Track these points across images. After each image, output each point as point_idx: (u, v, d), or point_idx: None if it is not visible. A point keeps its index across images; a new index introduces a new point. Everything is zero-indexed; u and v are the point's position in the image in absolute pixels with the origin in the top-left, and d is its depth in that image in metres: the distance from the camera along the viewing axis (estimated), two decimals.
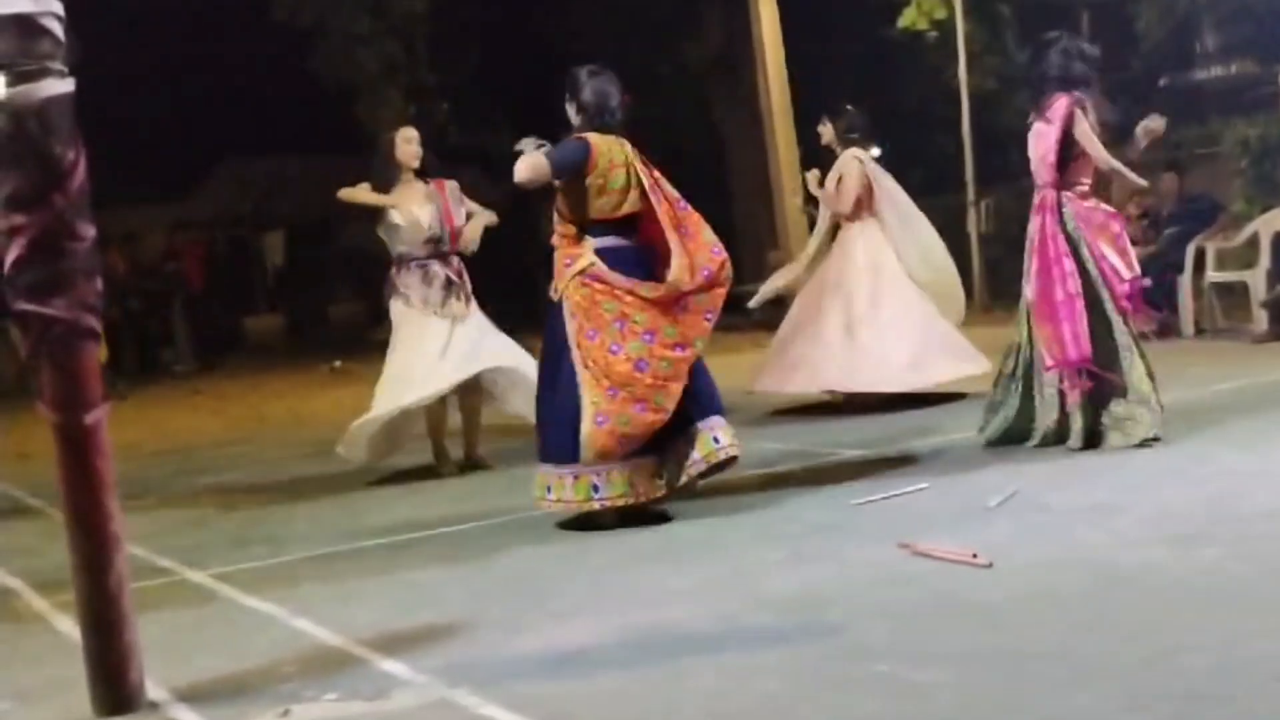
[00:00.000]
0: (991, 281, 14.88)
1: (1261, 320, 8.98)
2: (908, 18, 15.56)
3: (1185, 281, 9.56)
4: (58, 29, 3.17)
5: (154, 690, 3.33)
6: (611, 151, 5.05)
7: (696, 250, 5.03)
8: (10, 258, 3.17)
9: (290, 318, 23.41)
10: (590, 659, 3.38)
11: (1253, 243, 9.45)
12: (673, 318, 4.96)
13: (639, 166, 5.08)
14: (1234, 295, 9.69)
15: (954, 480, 5.21)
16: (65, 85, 3.18)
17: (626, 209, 5.06)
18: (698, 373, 5.06)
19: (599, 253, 5.03)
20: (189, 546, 5.35)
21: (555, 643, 3.53)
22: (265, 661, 3.58)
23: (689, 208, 5.15)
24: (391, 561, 4.84)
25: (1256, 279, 9.14)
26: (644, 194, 5.04)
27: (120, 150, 16.40)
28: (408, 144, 6.54)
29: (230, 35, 19.96)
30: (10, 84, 3.10)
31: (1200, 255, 9.61)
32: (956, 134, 15.22)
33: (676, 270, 4.96)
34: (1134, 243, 10.16)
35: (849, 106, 7.82)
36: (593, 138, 5.05)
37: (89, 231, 3.23)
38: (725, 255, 5.10)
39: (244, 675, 3.48)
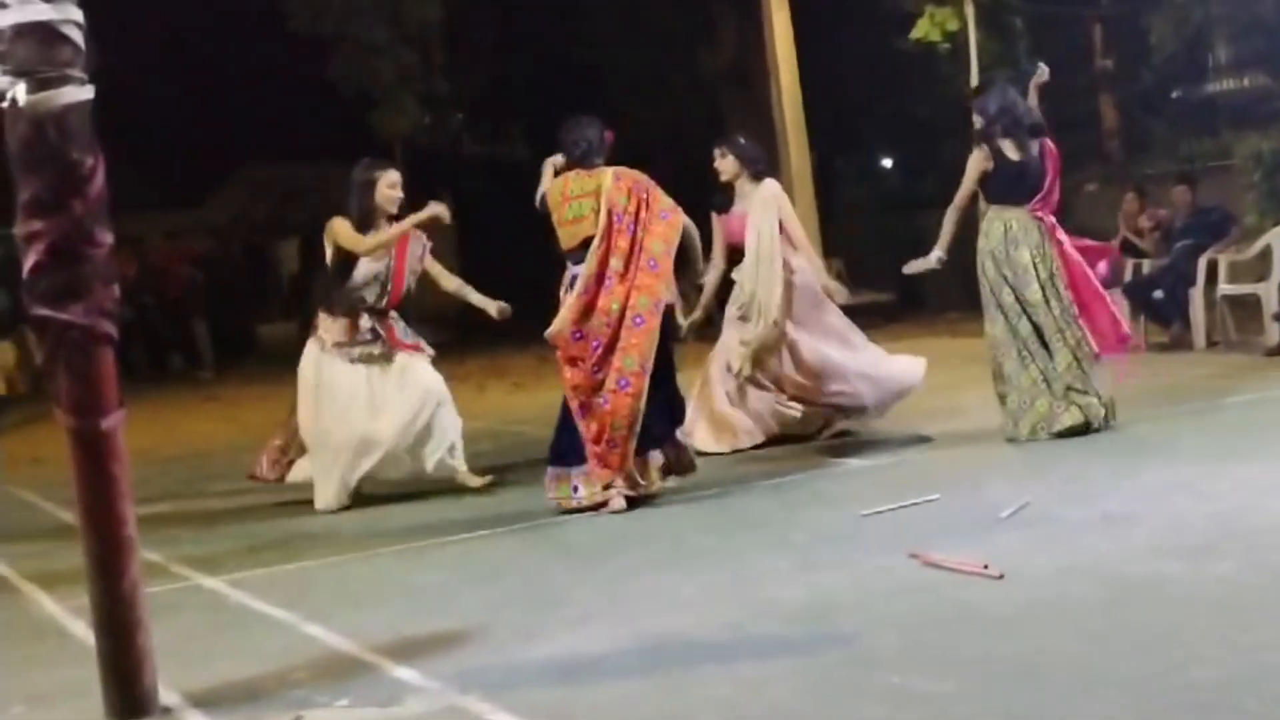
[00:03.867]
0: None
1: (1273, 333, 8.96)
2: (921, 29, 15.57)
3: (1197, 294, 9.55)
4: (78, 37, 3.20)
5: (167, 695, 3.34)
6: (568, 187, 5.59)
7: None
8: (29, 263, 3.19)
9: (304, 325, 23.45)
10: (601, 666, 3.39)
11: (1265, 255, 9.44)
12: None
13: (608, 199, 5.49)
14: (1246, 308, 9.67)
15: (965, 491, 5.21)
16: (85, 92, 3.21)
17: (582, 235, 5.53)
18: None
19: (574, 279, 5.56)
20: (202, 552, 5.37)
21: (566, 650, 3.54)
22: (277, 667, 3.60)
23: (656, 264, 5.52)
24: (404, 568, 4.86)
25: (1269, 292, 9.13)
26: (611, 215, 5.49)
27: (138, 157, 16.46)
28: (392, 189, 6.29)
29: (248, 43, 20.04)
30: (30, 91, 3.12)
31: (1212, 267, 9.60)
32: (967, 145, 15.22)
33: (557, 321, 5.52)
34: (1146, 255, 10.25)
35: (741, 138, 7.28)
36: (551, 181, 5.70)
37: (107, 238, 3.25)
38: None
39: (256, 680, 3.50)
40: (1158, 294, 9.77)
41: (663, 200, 5.63)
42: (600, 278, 5.46)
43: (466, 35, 19.58)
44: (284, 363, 18.19)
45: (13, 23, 3.13)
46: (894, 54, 16.69)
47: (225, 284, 19.88)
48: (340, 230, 6.20)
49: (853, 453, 6.34)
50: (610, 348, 5.44)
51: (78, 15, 3.20)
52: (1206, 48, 17.46)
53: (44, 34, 3.15)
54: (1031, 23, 17.67)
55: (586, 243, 5.52)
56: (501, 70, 20.60)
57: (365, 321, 6.27)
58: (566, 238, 5.60)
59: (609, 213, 5.49)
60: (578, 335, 5.48)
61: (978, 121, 6.61)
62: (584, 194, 5.56)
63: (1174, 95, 19.05)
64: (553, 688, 3.26)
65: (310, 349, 6.35)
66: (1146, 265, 10.17)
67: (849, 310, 7.27)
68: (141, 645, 3.27)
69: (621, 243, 5.48)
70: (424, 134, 18.88)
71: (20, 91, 3.12)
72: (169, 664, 3.43)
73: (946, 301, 16.13)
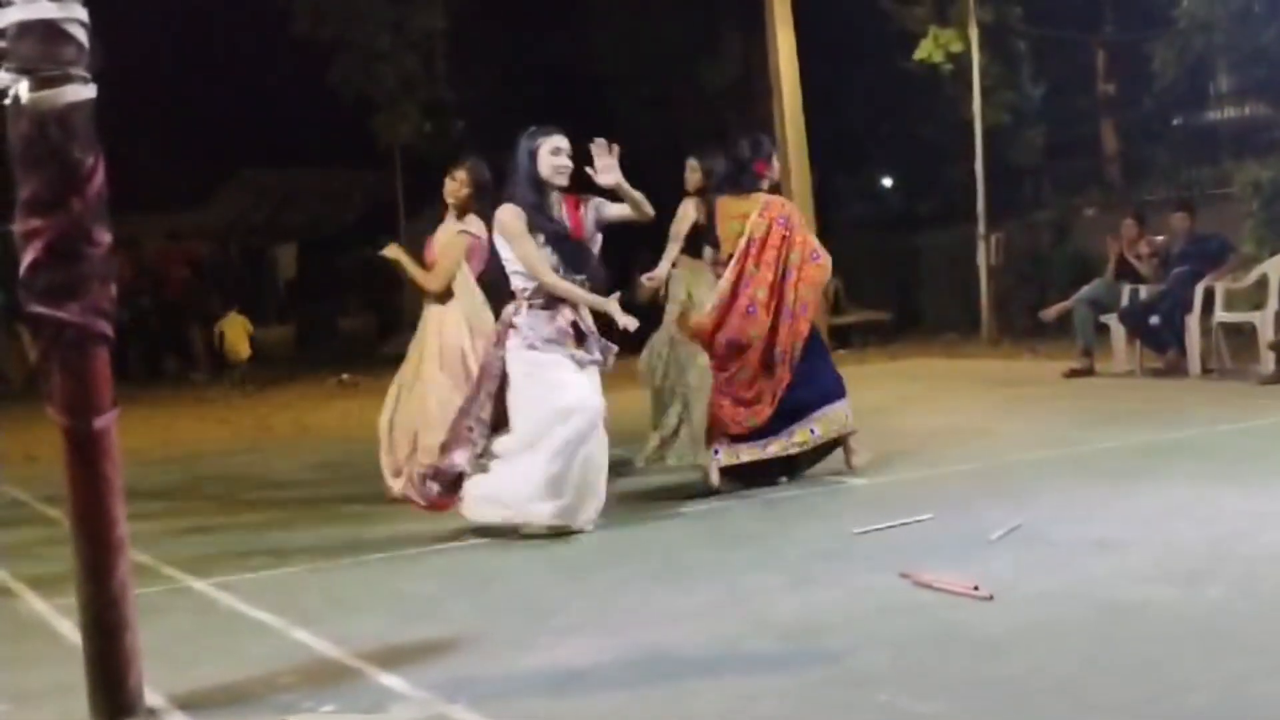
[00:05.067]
0: (1000, 315, 14.92)
1: (1268, 361, 8.98)
2: (924, 50, 15.63)
3: (1193, 321, 9.56)
4: (82, 35, 3.20)
5: (152, 696, 3.33)
6: (728, 206, 6.18)
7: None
8: (27, 260, 3.18)
9: (300, 329, 23.45)
10: (591, 678, 3.37)
11: (1262, 284, 9.46)
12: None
13: (751, 227, 6.03)
14: (1242, 336, 9.70)
15: (957, 511, 5.20)
16: (87, 91, 3.21)
17: (726, 252, 6.12)
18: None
19: None
20: (192, 554, 5.36)
21: (556, 661, 3.53)
22: (264, 671, 3.58)
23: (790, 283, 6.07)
24: (394, 575, 4.84)
25: (1264, 320, 9.15)
26: (750, 243, 6.03)
27: (139, 158, 16.47)
28: (555, 155, 5.34)
29: (251, 48, 20.08)
30: (33, 88, 3.12)
31: (1209, 295, 9.62)
32: (969, 167, 15.27)
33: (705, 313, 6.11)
34: (1144, 280, 10.28)
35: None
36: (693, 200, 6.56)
37: (105, 237, 3.24)
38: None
39: (242, 684, 3.48)
40: (1154, 320, 9.79)
41: (811, 242, 6.18)
42: (734, 295, 6.01)
43: (470, 44, 19.62)
44: (279, 367, 18.20)
45: (17, 20, 3.13)
46: (897, 74, 16.75)
47: (223, 286, 19.88)
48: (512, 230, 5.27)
49: (847, 470, 6.33)
50: (750, 363, 6.01)
51: (82, 14, 3.20)
52: (1208, 76, 17.55)
53: (48, 32, 3.15)
54: (1035, 46, 17.75)
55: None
56: (504, 80, 20.63)
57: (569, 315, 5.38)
58: (726, 247, 6.17)
59: (748, 240, 6.03)
60: (716, 330, 6.04)
61: (699, 178, 6.80)
62: (737, 215, 6.13)
63: (1175, 122, 19.12)
64: (542, 698, 3.24)
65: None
66: (1144, 291, 10.18)
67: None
68: (128, 646, 3.25)
69: (767, 274, 6.01)
70: (424, 141, 18.91)
71: (23, 89, 3.12)
72: (155, 666, 3.42)
73: (944, 322, 16.18)
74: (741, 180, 6.19)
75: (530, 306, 5.29)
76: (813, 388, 6.09)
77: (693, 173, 6.87)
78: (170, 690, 3.41)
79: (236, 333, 15.27)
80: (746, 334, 5.99)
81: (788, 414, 6.04)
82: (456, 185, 6.47)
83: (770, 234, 6.05)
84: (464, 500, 5.31)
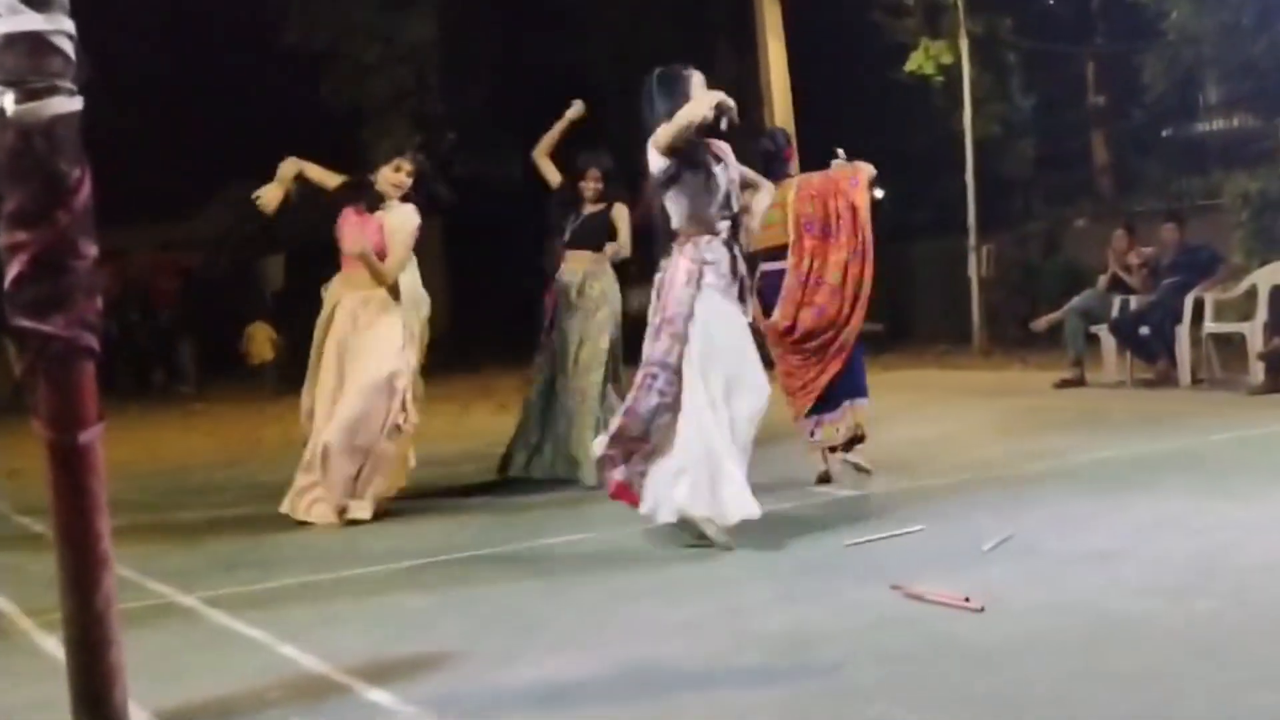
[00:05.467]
0: (991, 326, 14.93)
1: (1258, 372, 9.00)
2: (915, 62, 15.68)
3: (1184, 331, 9.58)
4: (68, 47, 3.18)
5: (137, 713, 3.29)
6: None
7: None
8: (11, 274, 3.16)
9: (289, 341, 23.38)
10: (581, 693, 3.35)
11: (1251, 295, 9.49)
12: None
13: (795, 211, 6.19)
14: (1231, 346, 9.72)
15: (948, 523, 5.20)
16: (74, 103, 3.18)
17: (770, 241, 6.16)
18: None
19: (763, 274, 6.17)
20: (178, 568, 5.32)
21: (545, 676, 3.50)
22: (251, 687, 3.56)
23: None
24: (382, 590, 4.82)
25: (1254, 331, 9.16)
26: (799, 225, 6.19)
27: (128, 170, 16.42)
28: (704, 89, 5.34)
29: (242, 59, 20.05)
30: (19, 101, 3.10)
31: (1199, 306, 9.64)
32: (960, 178, 15.30)
33: (775, 313, 6.22)
34: (1134, 291, 10.30)
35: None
36: None
37: (91, 250, 3.22)
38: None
39: (229, 700, 3.46)
40: (1144, 330, 9.80)
41: (845, 176, 6.26)
42: (804, 284, 6.18)
43: (462, 56, 19.61)
44: (267, 378, 18.08)
45: (3, 32, 3.11)
46: (888, 86, 16.78)
47: (212, 298, 19.84)
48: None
49: (837, 482, 6.32)
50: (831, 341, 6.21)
51: (69, 26, 3.18)
52: (1197, 88, 17.61)
53: (34, 44, 3.12)
54: (1025, 58, 17.81)
55: (772, 249, 6.21)
56: (496, 92, 20.63)
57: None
58: (756, 240, 6.02)
59: (797, 223, 6.18)
60: (789, 330, 6.22)
61: (602, 188, 7.18)
62: (775, 204, 6.08)
63: (1164, 134, 19.18)
64: (531, 714, 3.22)
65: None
66: (1134, 302, 10.20)
67: None
68: (113, 662, 3.22)
69: (820, 246, 6.18)
70: (415, 153, 18.91)
71: (8, 101, 3.10)
72: (141, 681, 3.38)
73: (936, 333, 16.20)
74: (773, 171, 6.31)
75: (710, 241, 5.13)
76: (851, 377, 6.35)
77: (596, 183, 6.99)
78: (156, 706, 3.38)
79: (261, 339, 16.49)
80: (823, 303, 6.19)
81: (834, 393, 6.29)
82: (401, 176, 6.46)
83: (818, 208, 6.22)
84: (664, 499, 5.05)
